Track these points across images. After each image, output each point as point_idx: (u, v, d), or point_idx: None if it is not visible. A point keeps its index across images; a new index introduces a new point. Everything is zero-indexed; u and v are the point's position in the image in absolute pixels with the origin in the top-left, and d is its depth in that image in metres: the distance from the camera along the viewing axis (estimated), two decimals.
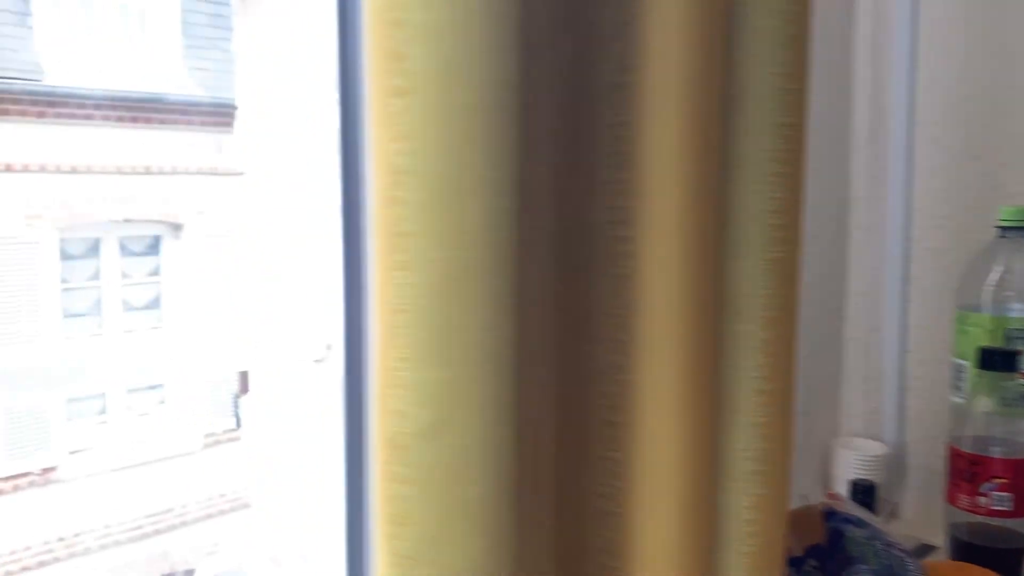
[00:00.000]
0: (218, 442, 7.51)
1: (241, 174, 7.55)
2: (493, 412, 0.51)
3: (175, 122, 7.08)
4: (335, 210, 0.84)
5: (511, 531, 0.51)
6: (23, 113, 6.31)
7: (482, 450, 0.50)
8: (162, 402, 7.42)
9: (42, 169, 6.44)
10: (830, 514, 0.96)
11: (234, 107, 7.32)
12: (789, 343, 0.71)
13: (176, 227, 7.32)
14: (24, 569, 6.43)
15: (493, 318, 0.51)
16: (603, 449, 0.60)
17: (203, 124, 7.26)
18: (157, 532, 7.12)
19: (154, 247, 7.38)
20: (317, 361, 0.94)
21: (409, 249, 0.49)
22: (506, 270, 0.51)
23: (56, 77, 6.35)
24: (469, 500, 0.50)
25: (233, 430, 7.58)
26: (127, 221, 6.99)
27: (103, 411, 7.07)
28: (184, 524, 7.28)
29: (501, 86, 0.50)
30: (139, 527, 7.00)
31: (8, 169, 6.28)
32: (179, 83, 7.08)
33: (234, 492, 7.64)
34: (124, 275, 7.20)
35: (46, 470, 6.49)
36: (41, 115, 6.39)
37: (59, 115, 6.47)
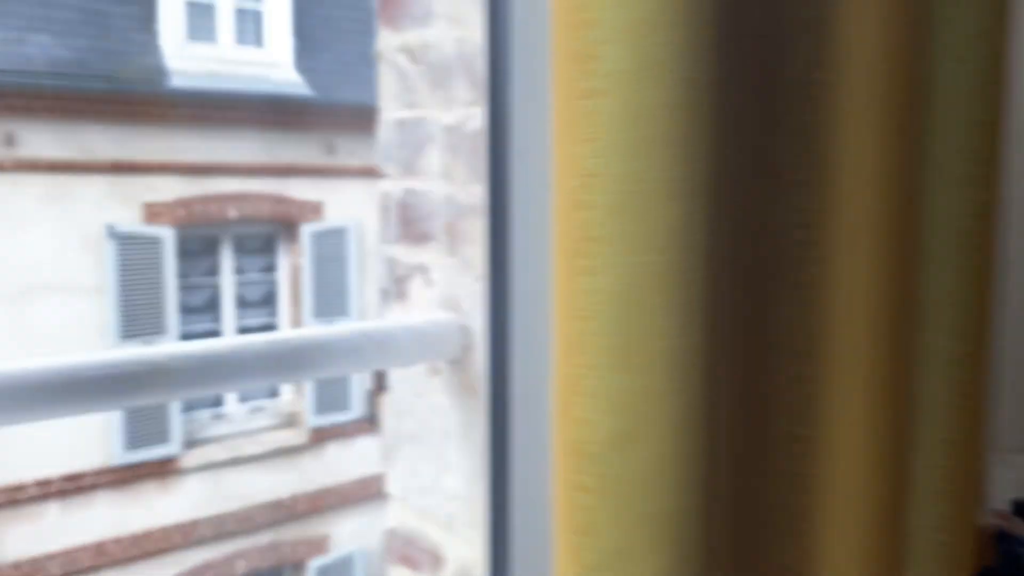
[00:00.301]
0: (326, 438, 7.75)
1: (366, 174, 7.76)
2: (683, 422, 0.48)
3: (287, 123, 7.33)
4: (480, 211, 0.83)
5: (697, 545, 0.49)
6: (147, 115, 6.66)
7: (672, 461, 0.48)
8: (274, 395, 7.70)
9: (163, 169, 6.78)
10: (1003, 536, 0.90)
11: (345, 108, 7.53)
12: (983, 355, 0.66)
13: (288, 226, 7.58)
14: (144, 556, 6.79)
15: (684, 325, 0.48)
16: (788, 463, 0.57)
17: (315, 125, 7.49)
18: (268, 525, 7.40)
19: (268, 245, 7.66)
20: (453, 362, 0.93)
21: (596, 254, 0.47)
22: (697, 276, 0.49)
23: (178, 80, 6.68)
24: (657, 512, 0.48)
25: (342, 425, 7.80)
26: (243, 219, 7.28)
27: (219, 403, 7.40)
28: (293, 517, 7.54)
29: (696, 85, 0.48)
30: (251, 519, 7.29)
31: (132, 169, 6.63)
32: (292, 85, 7.32)
33: (341, 487, 7.86)
34: (239, 271, 7.50)
35: (165, 461, 6.84)
36: (163, 117, 6.73)
37: (180, 117, 6.79)
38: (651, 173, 0.48)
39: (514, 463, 0.70)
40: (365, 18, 8.05)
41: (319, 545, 7.73)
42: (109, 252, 6.49)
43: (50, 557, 6.33)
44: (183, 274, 7.02)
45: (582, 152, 0.48)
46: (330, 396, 7.76)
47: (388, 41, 0.92)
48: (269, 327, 7.69)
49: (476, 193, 0.83)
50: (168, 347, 0.70)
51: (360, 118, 7.74)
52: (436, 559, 0.91)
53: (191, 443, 7.06)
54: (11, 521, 6.19)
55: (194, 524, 6.99)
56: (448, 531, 0.90)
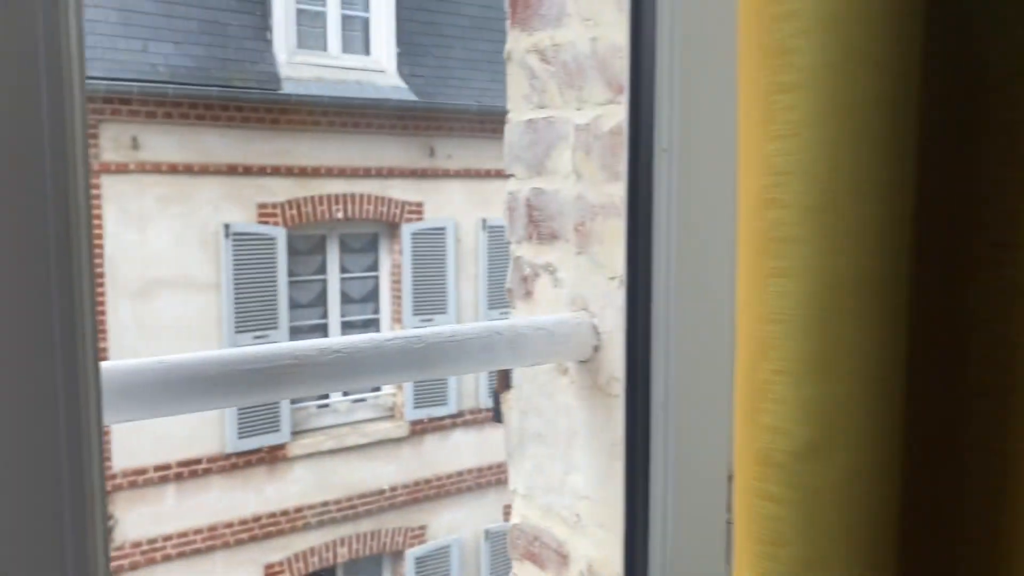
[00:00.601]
0: (424, 431, 7.90)
1: (463, 175, 7.89)
2: (879, 431, 0.46)
3: (392, 127, 7.51)
4: (614, 211, 0.83)
5: (890, 559, 0.47)
6: (260, 120, 6.93)
7: (867, 471, 0.46)
8: (376, 389, 7.90)
9: (275, 171, 7.05)
10: None
11: (445, 112, 7.66)
12: None
13: (391, 226, 7.76)
14: (252, 539, 7.09)
15: (883, 331, 0.46)
16: (984, 475, 0.55)
17: (416, 128, 7.64)
18: (368, 513, 7.60)
19: (371, 244, 7.87)
20: (582, 362, 0.92)
21: (789, 255, 0.45)
22: (899, 280, 0.46)
23: (289, 86, 6.93)
24: (850, 524, 0.46)
25: (440, 419, 7.94)
26: (348, 220, 7.50)
27: (324, 395, 7.64)
28: (392, 507, 7.72)
29: (901, 78, 0.45)
30: (353, 507, 7.51)
31: (246, 171, 6.93)
32: (395, 90, 7.49)
33: (438, 479, 8.00)
34: (343, 269, 7.73)
35: (274, 448, 7.11)
36: (275, 122, 7.00)
37: (290, 121, 7.05)
38: (853, 171, 0.46)
39: (655, 466, 0.69)
40: (466, 24, 8.15)
41: (417, 535, 7.88)
42: (225, 250, 6.80)
43: (167, 538, 6.69)
44: (292, 271, 7.29)
45: (775, 149, 0.46)
46: (428, 391, 7.91)
47: (519, 42, 0.93)
48: (372, 323, 7.89)
49: (610, 192, 0.83)
50: (315, 343, 0.73)
51: (459, 121, 7.87)
52: (562, 557, 0.91)
53: (298, 432, 7.32)
54: (132, 503, 6.57)
55: (299, 510, 7.25)
56: (574, 530, 0.90)
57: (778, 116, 0.45)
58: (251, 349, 0.72)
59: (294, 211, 7.18)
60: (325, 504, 7.38)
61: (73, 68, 0.47)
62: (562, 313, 0.89)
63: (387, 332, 0.77)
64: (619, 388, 0.85)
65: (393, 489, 7.73)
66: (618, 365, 0.84)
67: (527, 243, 0.95)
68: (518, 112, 0.95)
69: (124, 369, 0.65)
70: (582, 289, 0.88)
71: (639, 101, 0.68)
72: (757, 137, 0.46)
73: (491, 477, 8.41)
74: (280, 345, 0.72)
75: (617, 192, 0.82)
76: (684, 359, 0.69)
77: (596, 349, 0.85)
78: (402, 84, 7.56)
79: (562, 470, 0.92)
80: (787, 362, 0.45)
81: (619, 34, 0.81)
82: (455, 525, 8.11)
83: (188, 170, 6.65)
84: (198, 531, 6.82)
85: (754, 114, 0.46)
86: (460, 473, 8.17)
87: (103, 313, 6.38)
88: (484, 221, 8.15)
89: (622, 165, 0.82)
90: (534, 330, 0.83)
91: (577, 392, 0.89)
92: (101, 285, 6.36)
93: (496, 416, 0.99)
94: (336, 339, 0.74)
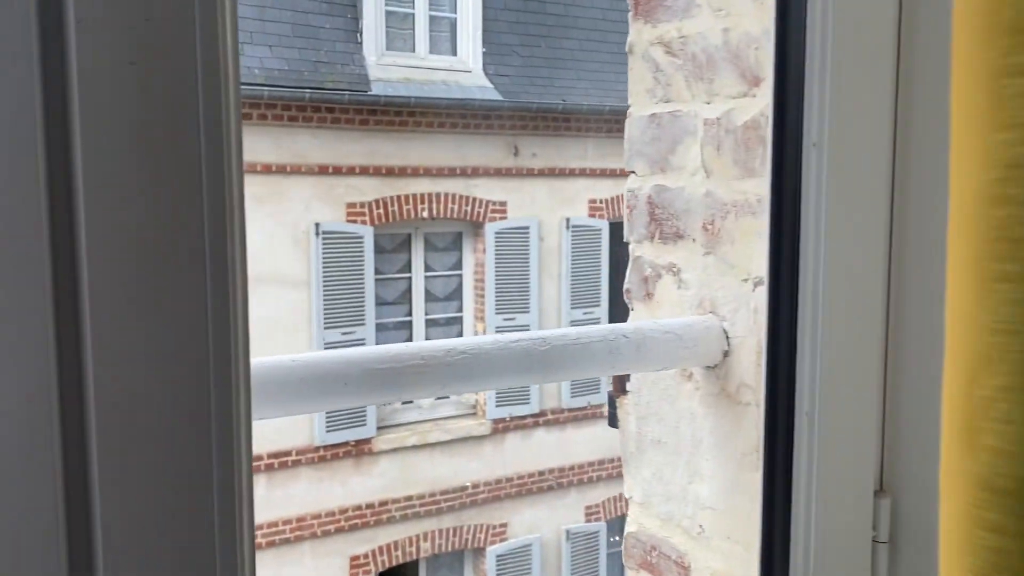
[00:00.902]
0: (506, 429, 7.93)
1: (547, 174, 7.88)
2: None
3: (477, 126, 7.55)
4: (748, 209, 0.79)
5: None
6: (350, 121, 7.07)
7: None
8: None
9: (364, 171, 7.18)
10: None
11: (529, 111, 7.65)
12: None
13: (475, 225, 7.81)
14: (339, 531, 7.24)
15: None
16: None
17: (501, 128, 7.66)
18: (451, 509, 7.67)
19: (455, 243, 7.93)
20: (709, 367, 0.88)
21: (1022, 257, 0.41)
22: None
23: (378, 87, 7.04)
24: None
25: (522, 417, 7.95)
26: (433, 218, 7.58)
27: None
28: (474, 503, 7.77)
29: None
30: (436, 502, 7.59)
31: (336, 171, 7.07)
32: (481, 90, 7.53)
33: (519, 477, 8.01)
34: (428, 268, 7.82)
35: (361, 442, 7.25)
36: (364, 123, 7.13)
37: (379, 122, 7.17)
38: None
39: (797, 479, 0.65)
40: (552, 23, 8.13)
41: (498, 532, 7.91)
42: (315, 248, 6.96)
43: (257, 527, 6.89)
44: (378, 269, 7.41)
45: (1005, 139, 0.42)
46: (511, 389, 7.93)
47: (642, 35, 0.90)
48: (455, 321, 7.96)
49: (744, 190, 0.79)
50: (441, 344, 0.72)
51: (543, 120, 7.85)
52: (683, 568, 0.88)
53: (383, 427, 7.44)
54: None
55: (384, 504, 7.37)
56: (697, 541, 0.86)
57: (1008, 103, 0.40)
58: (380, 348, 0.71)
59: (381, 210, 7.30)
60: (409, 498, 7.48)
61: (229, 68, 0.46)
62: (688, 316, 0.86)
63: (512, 334, 0.76)
64: (751, 396, 0.81)
65: (475, 486, 7.78)
66: (750, 371, 0.80)
67: (648, 243, 0.92)
68: (640, 106, 0.91)
69: (255, 367, 0.66)
70: (710, 291, 0.84)
71: (785, 93, 0.65)
72: (980, 126, 0.41)
73: (572, 477, 8.37)
74: (408, 345, 0.71)
75: (752, 189, 0.78)
76: (832, 366, 0.65)
77: (726, 354, 0.81)
78: (487, 84, 7.60)
79: (684, 479, 0.88)
80: (1017, 376, 0.41)
81: (754, 24, 0.77)
82: (536, 524, 8.11)
83: (281, 170, 6.84)
84: (287, 521, 7.01)
85: (976, 101, 0.41)
86: (542, 472, 8.16)
87: None
88: (567, 220, 8.12)
89: (758, 161, 0.78)
90: (661, 333, 0.80)
91: (703, 398, 0.85)
92: None
93: (611, 420, 0.96)
94: (462, 340, 0.72)
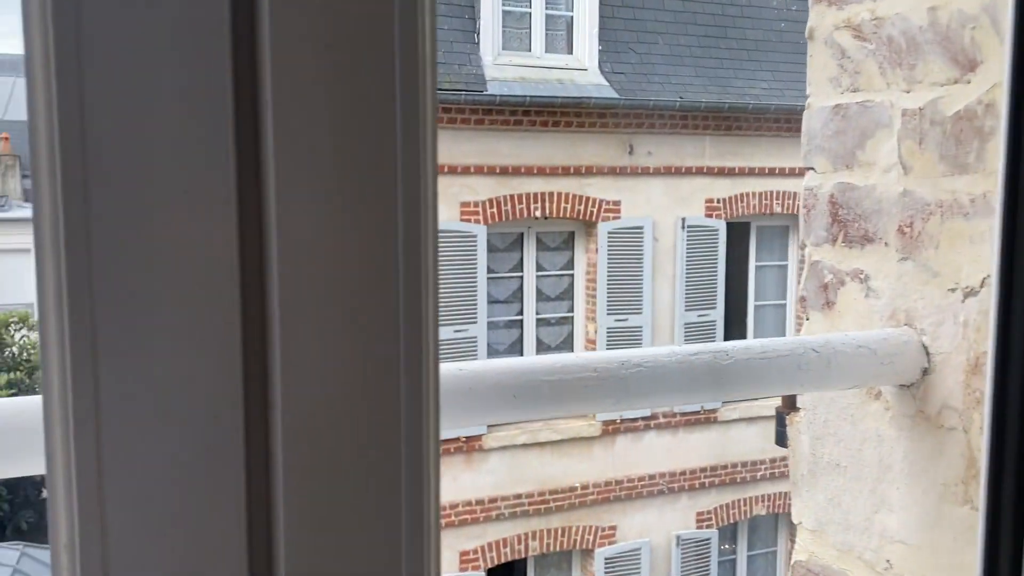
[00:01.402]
0: (616, 431, 7.82)
1: (663, 173, 7.73)
2: None
3: (592, 125, 7.47)
4: (956, 210, 0.70)
5: None
6: (466, 120, 7.13)
7: None
8: None
9: (478, 170, 7.23)
10: None
11: (646, 108, 7.52)
12: None
13: (588, 225, 7.74)
14: (449, 525, 7.31)
15: None
16: None
17: (616, 126, 7.56)
18: (559, 509, 7.63)
19: (567, 242, 7.88)
20: (903, 386, 0.80)
21: None
22: None
23: (495, 87, 7.07)
24: None
25: (632, 419, 7.82)
26: (546, 218, 7.56)
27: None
28: (583, 505, 7.71)
29: None
30: (544, 501, 7.56)
31: (451, 170, 7.14)
32: (596, 88, 7.44)
33: (629, 480, 7.89)
34: (540, 267, 7.80)
35: (472, 439, 7.30)
36: (480, 122, 7.17)
37: (494, 121, 7.19)
38: None
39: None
40: (669, 19, 7.96)
41: (607, 535, 7.82)
42: None
43: None
44: (490, 268, 7.45)
45: None
46: None
47: (824, 18, 0.82)
48: (566, 320, 7.91)
49: (953, 189, 0.70)
50: (615, 355, 0.67)
51: (660, 118, 7.69)
52: None
53: (494, 424, 7.48)
54: None
55: (493, 500, 7.40)
56: None
57: None
58: (547, 359, 0.66)
59: (494, 209, 7.32)
60: (518, 496, 7.48)
61: (427, 72, 0.43)
62: (880, 328, 0.77)
63: (692, 345, 0.69)
64: (957, 420, 0.72)
65: (584, 487, 7.71)
66: (956, 392, 0.71)
67: (829, 246, 0.84)
68: (821, 97, 0.83)
69: None
70: (906, 301, 0.75)
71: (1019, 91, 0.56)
72: None
73: (684, 482, 8.18)
74: (578, 356, 0.67)
75: (963, 188, 0.69)
76: None
77: (925, 372, 0.73)
78: (603, 82, 7.51)
79: (869, 507, 0.80)
80: None
81: (969, 1, 0.68)
82: (646, 528, 7.97)
83: None
84: None
85: None
86: (652, 476, 8.02)
87: None
88: (683, 220, 7.93)
89: (972, 155, 0.69)
90: (853, 348, 0.72)
91: (894, 420, 0.77)
92: None
93: (780, 439, 0.89)
94: (637, 351, 0.67)
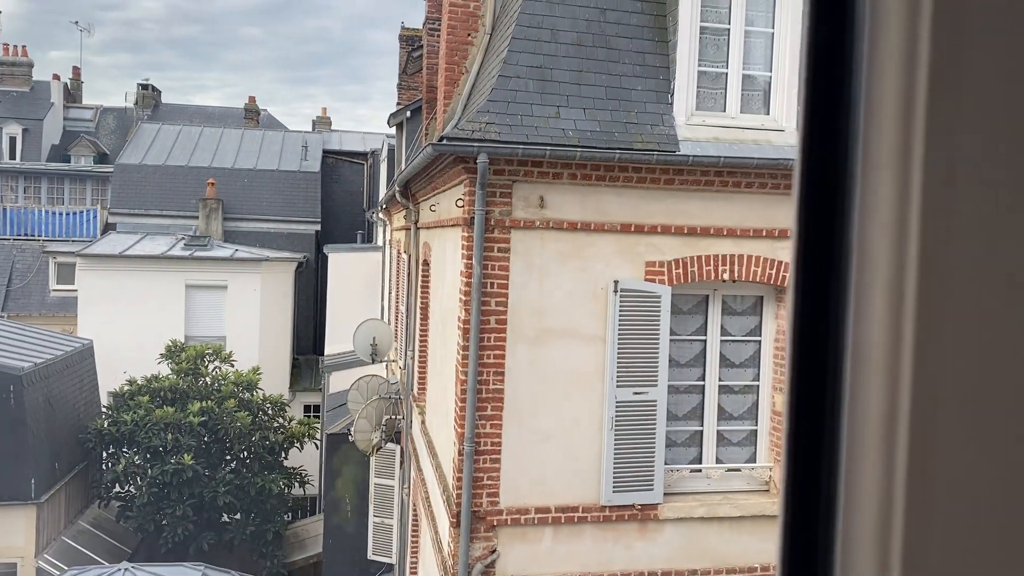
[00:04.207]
0: None
1: None
2: None
3: (787, 186, 7.19)
4: None
5: None
6: (655, 180, 7.06)
7: None
8: (751, 460, 7.53)
9: (665, 230, 7.11)
10: None
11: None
12: None
13: (779, 290, 7.42)
14: None
15: None
16: None
17: None
18: None
19: (755, 307, 7.58)
20: None
21: None
22: None
23: (687, 147, 6.97)
24: None
25: None
26: (733, 281, 7.31)
27: (697, 460, 7.46)
28: None
29: None
30: None
31: (638, 229, 7.07)
32: (793, 149, 7.18)
33: None
34: (724, 331, 7.53)
35: (647, 507, 7.07)
36: (670, 182, 7.08)
37: (684, 181, 7.08)
38: None
39: None
40: None
41: None
42: (613, 304, 6.99)
43: None
44: (673, 330, 7.26)
45: None
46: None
47: None
48: (751, 389, 7.57)
49: None
50: None
51: None
52: None
53: (670, 494, 7.22)
54: (512, 539, 6.92)
55: (667, 574, 7.11)
56: None
57: None
58: None
59: (680, 270, 7.17)
60: (693, 572, 7.15)
61: None
62: None
63: None
64: None
65: (765, 569, 7.25)
66: None
67: None
68: None
69: None
70: None
71: None
72: None
73: None
74: None
75: None
76: None
77: None
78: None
79: None
80: None
81: None
82: None
83: (586, 228, 6.98)
84: None
85: None
86: None
87: (502, 356, 6.89)
88: None
89: None
90: None
91: None
92: (503, 330, 6.88)
93: None
94: None
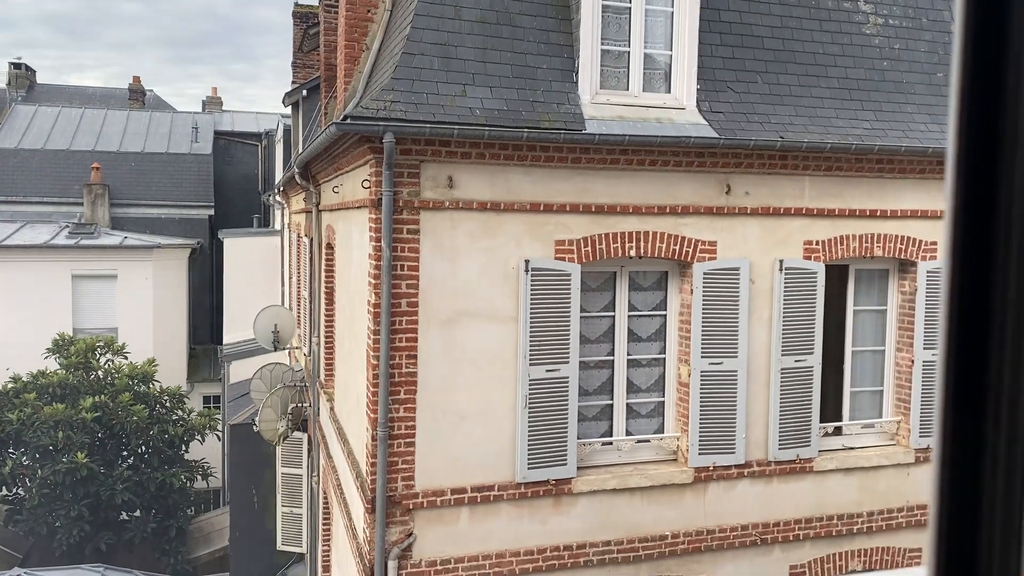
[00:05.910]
0: (708, 478, 7.59)
1: (760, 214, 7.58)
2: None
3: (689, 164, 7.37)
4: None
5: None
6: (563, 159, 7.09)
7: None
8: (659, 431, 7.74)
9: (573, 209, 7.17)
10: None
11: (744, 148, 7.38)
12: None
13: (682, 264, 7.60)
14: (536, 570, 7.17)
15: None
16: None
17: (714, 165, 7.44)
18: (649, 557, 7.42)
19: (660, 282, 7.75)
20: None
21: None
22: None
23: (592, 126, 7.03)
24: None
25: (726, 467, 7.58)
26: (639, 258, 7.45)
27: (608, 433, 7.61)
28: (673, 554, 7.48)
29: None
30: (634, 549, 7.37)
31: (547, 208, 7.10)
32: (694, 127, 7.35)
33: (722, 530, 7.64)
34: (632, 307, 7.68)
35: (561, 482, 7.17)
36: (576, 161, 7.13)
37: (591, 160, 7.15)
38: None
39: None
40: (769, 58, 7.84)
41: None
42: (524, 284, 7.01)
43: (458, 561, 6.95)
44: (582, 307, 7.35)
45: None
46: (714, 437, 7.60)
47: None
48: (657, 362, 7.76)
49: None
50: None
51: (759, 158, 7.54)
52: None
53: (584, 468, 7.34)
54: (430, 522, 6.91)
55: (582, 546, 7.23)
56: None
57: None
58: None
59: (588, 248, 7.25)
60: (607, 543, 7.31)
61: None
62: None
63: None
64: None
65: (675, 535, 7.49)
66: None
67: None
68: None
69: None
70: None
71: None
72: None
73: (778, 534, 7.89)
74: None
75: None
76: None
77: None
78: (701, 121, 7.41)
79: None
80: None
81: None
82: None
83: (496, 208, 6.96)
84: (487, 556, 7.03)
85: None
86: (745, 527, 7.75)
87: (415, 339, 6.82)
88: (781, 262, 7.74)
89: None
90: None
91: None
92: (415, 313, 6.80)
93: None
94: None
